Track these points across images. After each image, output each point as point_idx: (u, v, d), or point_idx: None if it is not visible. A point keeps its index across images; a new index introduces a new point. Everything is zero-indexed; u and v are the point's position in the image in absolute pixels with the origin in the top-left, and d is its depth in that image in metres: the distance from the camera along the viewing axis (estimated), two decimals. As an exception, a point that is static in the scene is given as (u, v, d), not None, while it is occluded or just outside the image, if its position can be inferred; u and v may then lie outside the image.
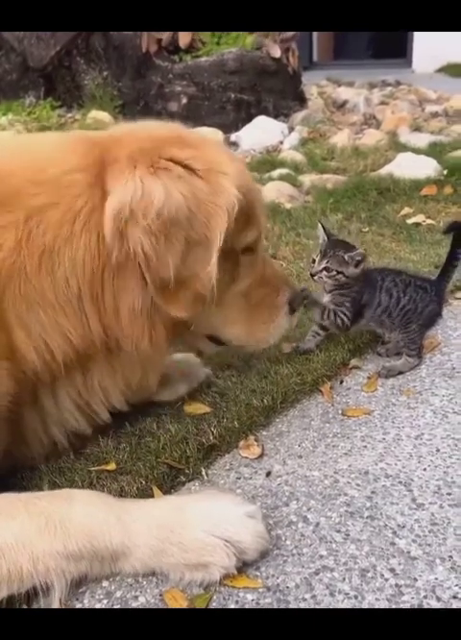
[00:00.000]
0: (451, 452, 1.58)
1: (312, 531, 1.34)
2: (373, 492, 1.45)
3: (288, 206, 3.43)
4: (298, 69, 5.62)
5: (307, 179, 3.78)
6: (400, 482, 1.48)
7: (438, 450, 1.59)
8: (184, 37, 5.21)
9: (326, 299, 1.95)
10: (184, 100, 5.12)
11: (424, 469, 1.52)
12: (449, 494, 1.43)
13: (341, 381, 1.92)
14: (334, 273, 1.89)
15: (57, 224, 1.25)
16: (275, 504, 1.42)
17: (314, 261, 1.93)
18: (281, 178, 3.79)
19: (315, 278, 1.93)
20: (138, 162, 1.27)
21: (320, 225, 2.00)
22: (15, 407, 1.30)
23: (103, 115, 5.23)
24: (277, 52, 5.25)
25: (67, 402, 1.41)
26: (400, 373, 1.96)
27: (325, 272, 1.89)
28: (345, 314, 1.93)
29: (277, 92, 5.33)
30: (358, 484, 1.47)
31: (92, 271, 1.28)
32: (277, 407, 1.76)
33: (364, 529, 1.34)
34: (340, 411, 1.77)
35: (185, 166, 1.30)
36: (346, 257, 1.88)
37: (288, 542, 1.31)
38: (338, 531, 1.34)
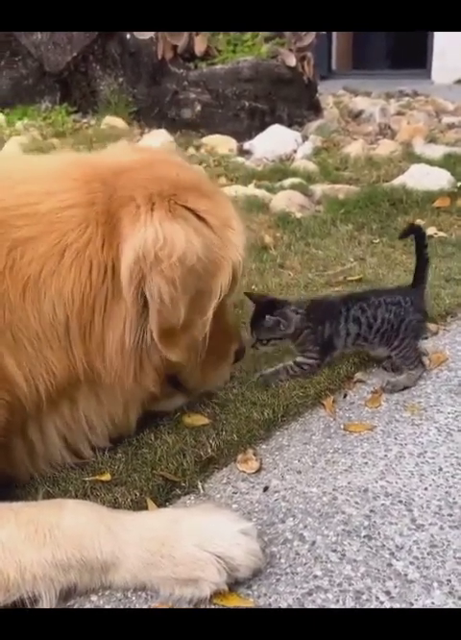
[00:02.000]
0: (454, 471, 1.54)
1: (307, 550, 1.30)
2: (371, 511, 1.41)
3: (299, 215, 3.41)
4: (313, 78, 5.60)
5: (319, 188, 3.76)
6: (401, 502, 1.44)
7: (441, 469, 1.55)
8: (200, 45, 5.22)
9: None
10: (198, 107, 5.12)
11: (426, 488, 1.48)
12: (450, 515, 1.40)
13: (345, 395, 1.89)
14: (266, 341, 1.89)
15: (43, 256, 1.25)
16: (271, 521, 1.39)
17: None
18: (293, 187, 3.77)
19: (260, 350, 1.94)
20: (156, 206, 1.27)
21: (246, 296, 2.00)
22: (6, 434, 1.30)
23: (117, 121, 5.24)
24: (292, 61, 5.23)
25: (54, 436, 1.40)
26: (406, 388, 1.93)
27: (259, 344, 1.90)
28: (311, 357, 1.90)
29: (291, 101, 5.31)
30: (357, 502, 1.44)
31: (82, 303, 1.28)
32: (277, 421, 1.73)
33: (361, 550, 1.30)
34: (342, 426, 1.74)
35: (201, 218, 1.34)
36: (265, 322, 1.86)
37: (282, 560, 1.28)
38: (334, 551, 1.30)
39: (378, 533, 1.35)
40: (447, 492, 1.47)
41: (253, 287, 2.59)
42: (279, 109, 5.21)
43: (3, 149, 4.64)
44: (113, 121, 5.25)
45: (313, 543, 1.32)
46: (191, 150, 4.62)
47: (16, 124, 5.61)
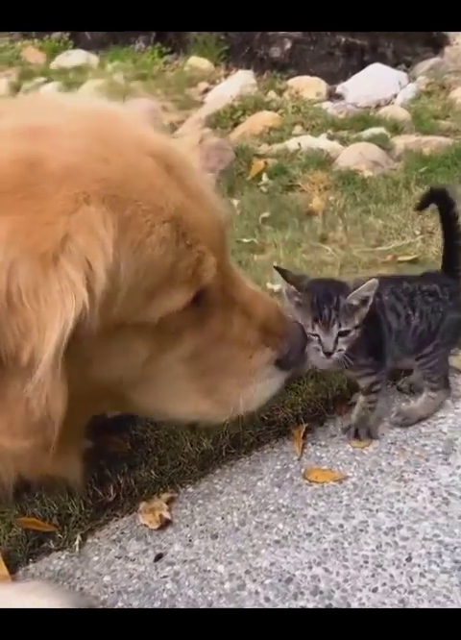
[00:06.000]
0: (428, 565, 1.09)
1: (163, 671, 0.94)
2: (282, 617, 1.01)
3: (367, 174, 2.86)
4: (434, 8, 4.78)
5: (402, 141, 3.16)
6: (329, 607, 1.02)
7: (409, 559, 1.10)
8: (295, -28, 4.61)
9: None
10: (288, 45, 4.55)
11: (374, 590, 1.05)
12: (392, 644, 0.96)
13: (321, 423, 1.45)
14: (352, 333, 1.24)
15: None
16: (139, 612, 1.03)
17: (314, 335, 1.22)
18: (372, 139, 3.20)
19: (334, 358, 1.24)
20: None
21: (276, 272, 1.28)
22: None
23: (201, 62, 4.83)
24: (405, -13, 4.47)
25: None
26: (421, 419, 1.45)
27: (341, 339, 1.22)
28: (372, 371, 1.36)
29: (399, 36, 4.57)
30: (268, 599, 1.04)
31: None
32: (220, 455, 1.35)
33: (237, 683, 0.91)
34: (302, 472, 1.32)
35: None
36: (354, 301, 1.23)
37: (122, 683, 0.93)
38: (199, 679, 0.93)
39: (275, 658, 0.95)
40: (401, 600, 1.03)
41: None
42: (383, 45, 4.50)
43: (76, 94, 4.43)
44: (199, 62, 4.84)
45: (178, 659, 0.95)
46: (271, 94, 4.12)
47: (107, 66, 5.38)
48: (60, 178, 0.84)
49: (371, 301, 1.25)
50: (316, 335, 1.21)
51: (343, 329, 1.22)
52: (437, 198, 1.42)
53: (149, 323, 0.92)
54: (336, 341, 1.22)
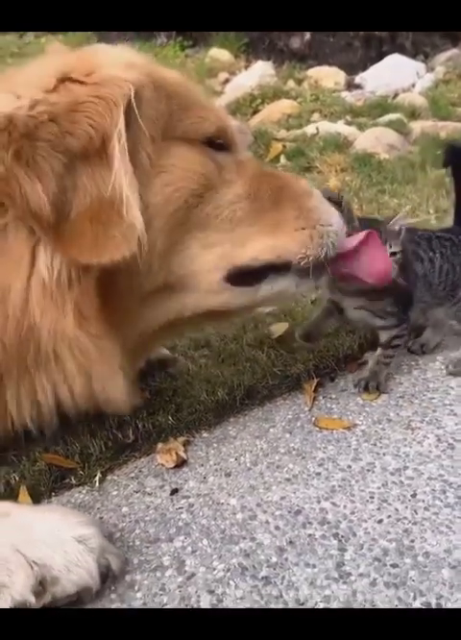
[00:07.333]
0: (432, 501, 1.13)
1: (178, 586, 0.99)
2: (290, 542, 1.06)
3: (383, 156, 2.90)
4: None
5: (419, 126, 3.19)
6: (336, 535, 1.07)
7: (414, 495, 1.15)
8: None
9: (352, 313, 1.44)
10: (307, 36, 4.60)
11: (380, 521, 1.10)
12: (395, 567, 1.01)
13: (332, 379, 1.50)
14: (398, 255, 1.33)
15: None
16: (156, 536, 1.09)
17: None
18: (389, 124, 3.24)
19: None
20: None
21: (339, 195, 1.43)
22: None
23: (222, 54, 4.89)
24: (424, -22, 4.50)
25: None
26: None
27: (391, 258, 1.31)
28: (396, 323, 1.42)
29: (418, 27, 4.60)
30: (278, 528, 1.09)
31: None
32: (235, 404, 1.40)
33: (247, 597, 0.97)
34: (313, 420, 1.37)
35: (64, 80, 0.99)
36: (397, 227, 1.33)
37: (138, 594, 0.98)
38: (211, 592, 0.98)
39: (282, 578, 1.00)
40: (405, 531, 1.07)
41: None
42: (401, 36, 4.53)
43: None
44: (219, 54, 4.91)
45: (191, 577, 1.01)
46: (290, 83, 4.17)
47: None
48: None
49: (403, 232, 1.34)
50: None
51: (393, 250, 1.30)
52: (455, 155, 1.50)
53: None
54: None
